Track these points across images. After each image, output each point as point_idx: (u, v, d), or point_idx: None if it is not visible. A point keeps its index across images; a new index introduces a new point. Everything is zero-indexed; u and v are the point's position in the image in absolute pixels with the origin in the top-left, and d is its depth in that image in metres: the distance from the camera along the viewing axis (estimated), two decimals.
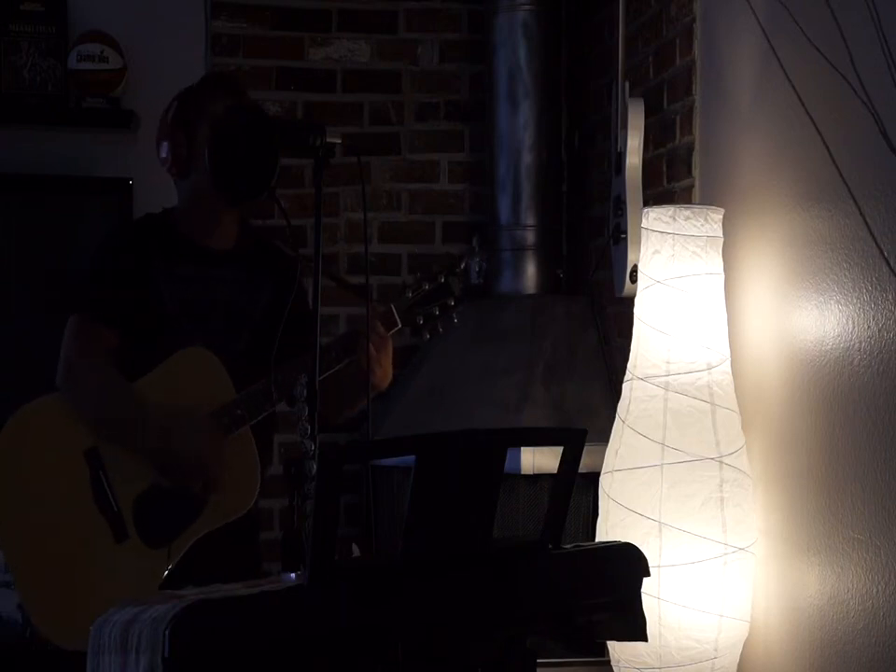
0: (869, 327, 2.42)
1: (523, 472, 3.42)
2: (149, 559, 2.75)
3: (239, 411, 2.78)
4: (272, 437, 3.03)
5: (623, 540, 2.39)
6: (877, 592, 2.40)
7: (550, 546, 2.19)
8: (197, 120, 2.90)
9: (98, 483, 2.79)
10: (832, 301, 2.55)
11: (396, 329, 2.87)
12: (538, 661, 2.16)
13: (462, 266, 2.95)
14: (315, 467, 2.10)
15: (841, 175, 2.33)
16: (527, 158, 4.09)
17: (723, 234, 2.84)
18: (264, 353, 2.72)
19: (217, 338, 2.87)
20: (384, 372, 2.81)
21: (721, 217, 2.84)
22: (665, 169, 3.43)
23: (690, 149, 3.25)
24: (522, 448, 3.40)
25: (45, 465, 2.81)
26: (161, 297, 2.88)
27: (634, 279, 3.34)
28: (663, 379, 2.78)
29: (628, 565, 2.26)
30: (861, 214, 2.35)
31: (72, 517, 2.78)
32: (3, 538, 2.82)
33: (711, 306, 2.81)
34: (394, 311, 2.87)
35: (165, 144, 2.94)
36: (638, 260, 2.92)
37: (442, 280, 2.91)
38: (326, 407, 2.36)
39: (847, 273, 2.50)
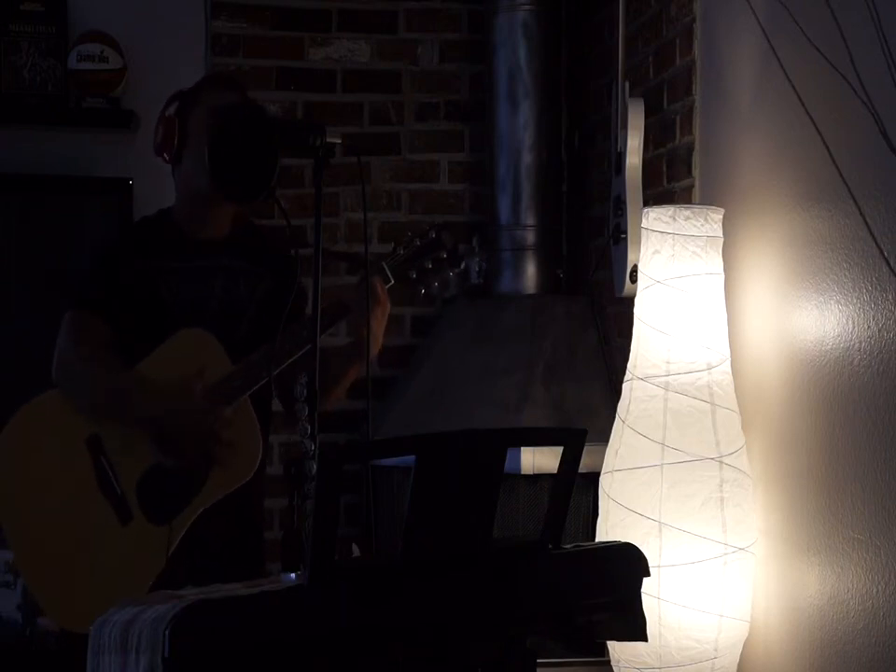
0: (869, 327, 2.42)
1: (523, 472, 3.42)
2: (154, 537, 2.76)
3: (237, 381, 2.79)
4: (269, 409, 3.02)
5: (622, 540, 2.39)
6: (877, 592, 2.40)
7: (550, 546, 2.19)
8: (190, 106, 2.93)
9: (101, 469, 2.82)
10: (832, 301, 2.55)
11: (389, 284, 2.84)
12: (538, 661, 2.17)
13: (464, 261, 2.93)
14: (314, 467, 2.11)
15: (841, 175, 2.33)
16: (527, 158, 4.09)
17: (723, 234, 2.84)
18: (261, 341, 2.75)
19: (213, 326, 2.88)
20: (373, 337, 2.69)
21: (721, 217, 2.84)
22: (665, 169, 3.43)
23: (690, 149, 3.25)
24: (522, 448, 3.40)
25: (48, 458, 2.85)
26: (156, 288, 2.90)
27: (634, 279, 3.34)
28: (663, 379, 2.78)
29: (628, 565, 2.26)
30: (861, 214, 2.34)
31: (78, 505, 2.81)
32: (11, 532, 2.85)
33: (711, 306, 2.81)
34: (385, 267, 2.85)
35: (160, 128, 2.95)
36: (638, 260, 2.92)
37: (433, 235, 2.88)
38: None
39: (847, 273, 2.50)
